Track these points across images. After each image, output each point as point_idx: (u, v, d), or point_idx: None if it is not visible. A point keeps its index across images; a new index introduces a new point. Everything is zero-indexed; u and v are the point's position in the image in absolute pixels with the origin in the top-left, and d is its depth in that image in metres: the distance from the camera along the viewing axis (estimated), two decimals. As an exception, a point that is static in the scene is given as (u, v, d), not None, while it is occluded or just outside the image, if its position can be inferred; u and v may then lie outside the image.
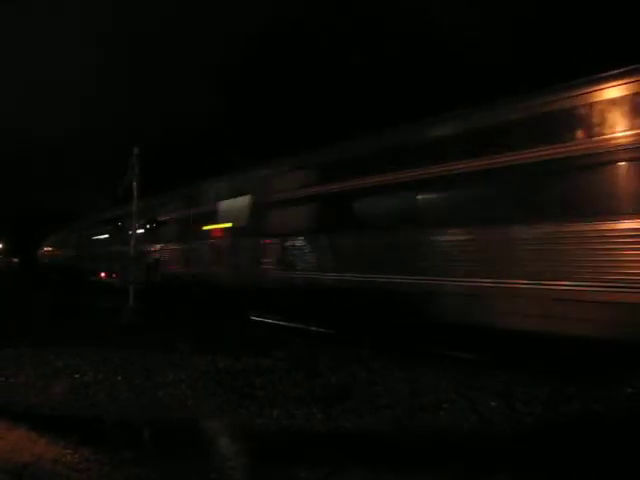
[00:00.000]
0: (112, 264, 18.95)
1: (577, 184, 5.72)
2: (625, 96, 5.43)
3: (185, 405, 5.03)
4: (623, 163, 5.40)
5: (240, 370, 6.21)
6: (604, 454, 3.77)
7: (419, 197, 7.45)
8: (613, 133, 5.47)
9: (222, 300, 11.64)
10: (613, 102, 5.50)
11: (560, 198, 5.82)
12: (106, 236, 20.68)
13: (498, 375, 5.75)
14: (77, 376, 5.93)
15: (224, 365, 6.46)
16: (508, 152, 6.26)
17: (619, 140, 5.42)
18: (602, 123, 5.55)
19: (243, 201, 11.20)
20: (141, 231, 13.51)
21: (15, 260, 47.41)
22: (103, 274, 21.18)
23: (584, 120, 5.72)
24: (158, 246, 15.29)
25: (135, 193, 11.64)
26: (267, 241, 10.32)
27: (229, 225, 11.67)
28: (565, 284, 5.56)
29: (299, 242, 9.41)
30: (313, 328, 9.20)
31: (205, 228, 12.70)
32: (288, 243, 9.65)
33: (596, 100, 5.63)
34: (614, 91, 5.51)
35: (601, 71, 5.70)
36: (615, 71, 5.58)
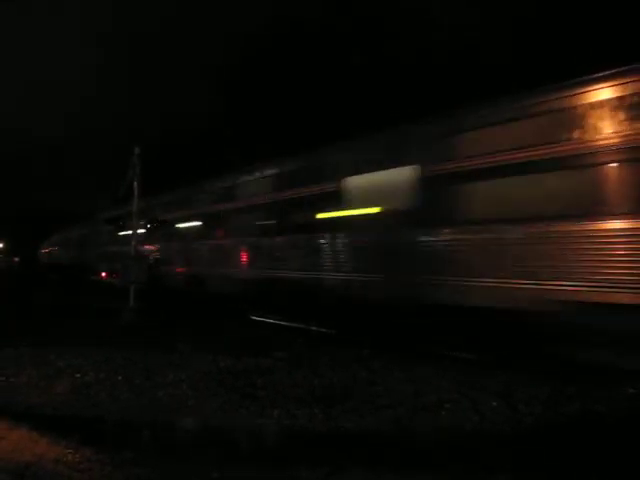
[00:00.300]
0: (113, 264, 18.98)
1: None
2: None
3: (186, 405, 5.03)
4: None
5: (241, 370, 6.22)
6: (604, 454, 3.78)
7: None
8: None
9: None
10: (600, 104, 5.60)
11: None
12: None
13: (498, 375, 5.75)
14: (78, 376, 5.94)
15: (225, 365, 6.47)
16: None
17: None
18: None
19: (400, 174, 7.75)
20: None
21: (16, 259, 47.49)
22: (104, 273, 21.21)
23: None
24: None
25: (136, 193, 11.63)
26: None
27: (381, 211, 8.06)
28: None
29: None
30: (314, 328, 9.21)
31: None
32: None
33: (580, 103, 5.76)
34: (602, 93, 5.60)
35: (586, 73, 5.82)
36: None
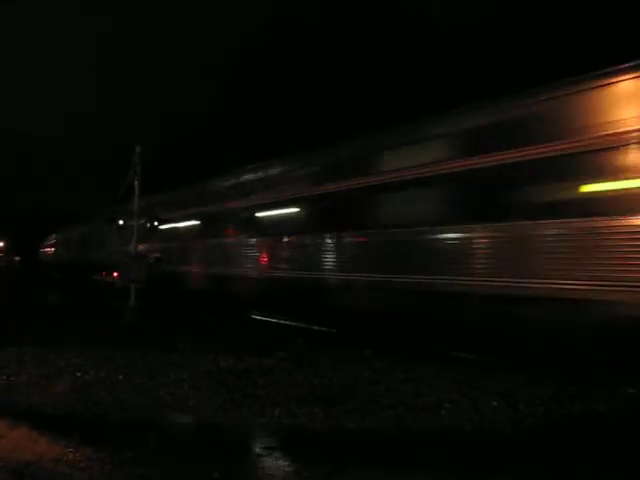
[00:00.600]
0: (113, 263, 18.92)
1: None
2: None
3: (187, 404, 5.03)
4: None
5: (242, 370, 6.21)
6: (605, 454, 3.77)
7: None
8: None
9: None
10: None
11: None
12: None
13: (499, 375, 5.75)
14: (78, 375, 5.93)
15: (226, 364, 6.47)
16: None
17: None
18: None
19: None
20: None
21: (17, 259, 47.54)
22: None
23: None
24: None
25: (137, 192, 11.62)
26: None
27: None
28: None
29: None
30: (315, 327, 9.21)
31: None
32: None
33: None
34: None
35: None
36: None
